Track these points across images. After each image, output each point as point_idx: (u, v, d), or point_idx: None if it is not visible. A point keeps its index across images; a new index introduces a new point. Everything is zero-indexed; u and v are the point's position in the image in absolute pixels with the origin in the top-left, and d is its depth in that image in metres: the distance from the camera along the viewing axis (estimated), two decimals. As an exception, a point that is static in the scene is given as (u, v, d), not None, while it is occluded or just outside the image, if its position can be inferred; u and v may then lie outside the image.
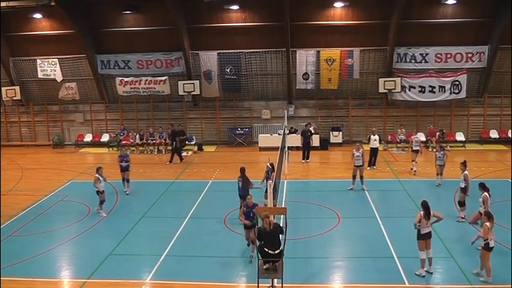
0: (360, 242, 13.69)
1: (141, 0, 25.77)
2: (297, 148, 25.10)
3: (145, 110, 29.05)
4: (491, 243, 10.99)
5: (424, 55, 26.33)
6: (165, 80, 27.68)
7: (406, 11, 24.59)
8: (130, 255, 13.18)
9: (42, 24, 27.26)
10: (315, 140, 25.77)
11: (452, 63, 26.26)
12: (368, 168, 21.72)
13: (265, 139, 26.93)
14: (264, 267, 10.12)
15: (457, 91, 26.33)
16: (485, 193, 13.29)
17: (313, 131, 25.25)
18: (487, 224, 11.03)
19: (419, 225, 11.33)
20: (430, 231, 11.46)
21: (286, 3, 23.83)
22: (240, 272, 11.83)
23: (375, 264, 12.26)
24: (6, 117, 30.04)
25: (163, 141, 26.94)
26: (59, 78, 28.06)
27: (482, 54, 26.00)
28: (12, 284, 11.53)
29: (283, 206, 15.24)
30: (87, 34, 27.03)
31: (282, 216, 12.36)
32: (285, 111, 24.79)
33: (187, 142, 27.64)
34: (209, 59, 27.23)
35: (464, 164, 15.35)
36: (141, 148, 27.36)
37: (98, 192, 16.29)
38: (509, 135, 26.75)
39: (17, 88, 28.75)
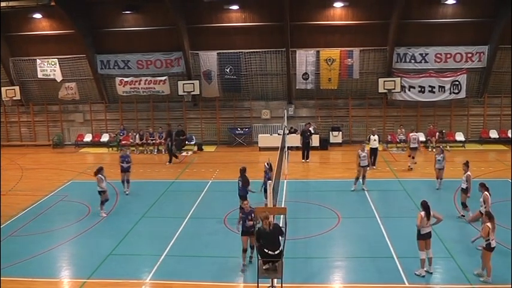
0: (360, 242, 13.69)
1: (141, 0, 25.77)
2: (297, 148, 25.10)
3: (145, 110, 29.05)
4: (493, 244, 11.00)
5: (423, 55, 26.34)
6: (165, 80, 27.68)
7: (406, 11, 24.60)
8: (130, 255, 13.18)
9: (42, 24, 27.26)
10: (315, 140, 25.78)
11: (452, 63, 26.27)
12: (368, 168, 21.72)
13: (265, 139, 26.94)
14: (264, 267, 10.12)
15: (456, 91, 26.34)
16: (486, 193, 13.29)
17: (312, 131, 25.25)
18: (488, 224, 11.04)
19: (422, 227, 11.31)
20: (430, 231, 11.47)
21: (286, 3, 23.83)
22: (239, 272, 11.83)
23: (374, 264, 12.26)
24: (6, 117, 30.04)
25: (163, 141, 26.89)
26: (59, 78, 28.05)
27: (482, 54, 26.01)
28: (12, 284, 11.53)
29: (283, 206, 15.26)
30: (87, 34, 27.02)
31: (281, 216, 12.37)
32: (285, 111, 24.81)
33: (187, 142, 27.66)
34: (209, 59, 27.23)
35: (466, 165, 15.28)
36: (141, 148, 27.36)
37: (100, 192, 16.29)
38: (509, 135, 26.76)
39: (17, 88, 28.76)
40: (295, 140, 25.12)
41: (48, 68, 27.99)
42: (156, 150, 26.95)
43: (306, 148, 24.04)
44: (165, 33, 26.68)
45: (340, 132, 27.35)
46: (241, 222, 11.97)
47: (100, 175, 16.28)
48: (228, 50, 27.05)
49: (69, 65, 28.28)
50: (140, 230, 15.13)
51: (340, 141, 27.31)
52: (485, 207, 13.05)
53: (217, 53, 27.12)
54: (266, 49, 26.87)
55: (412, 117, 27.43)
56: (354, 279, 11.60)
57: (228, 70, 27.31)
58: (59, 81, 28.18)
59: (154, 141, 27.04)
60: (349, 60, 26.45)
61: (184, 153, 26.69)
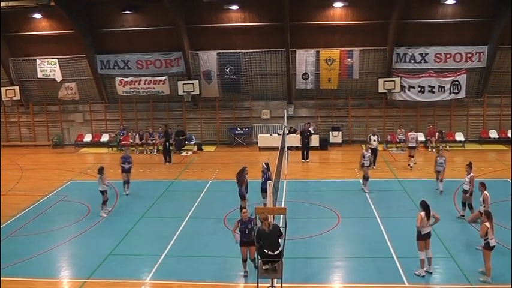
0: (360, 242, 13.69)
1: (141, 0, 25.77)
2: (297, 148, 25.09)
3: (145, 110, 29.05)
4: (492, 242, 11.01)
5: (423, 55, 26.34)
6: (165, 80, 27.67)
7: (406, 11, 24.60)
8: (130, 255, 13.18)
9: (41, 24, 27.25)
10: (315, 140, 25.80)
11: (452, 63, 26.28)
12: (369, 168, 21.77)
13: (264, 139, 26.94)
14: (264, 267, 10.12)
15: (456, 91, 26.34)
16: (486, 192, 13.30)
17: (312, 131, 25.25)
18: (486, 223, 11.05)
19: (422, 227, 11.31)
20: (430, 231, 11.47)
21: (286, 3, 23.82)
22: (239, 272, 11.81)
23: (374, 264, 12.26)
24: (6, 117, 30.03)
25: (161, 141, 26.90)
26: (59, 78, 28.05)
27: (481, 54, 26.01)
28: (12, 284, 11.53)
29: (282, 206, 15.26)
30: (87, 34, 27.02)
31: (281, 216, 12.36)
32: (285, 111, 24.81)
33: (187, 142, 27.66)
34: (209, 59, 27.23)
35: (470, 166, 15.18)
36: (140, 148, 27.36)
37: (102, 191, 16.31)
38: (509, 135, 26.76)
39: (17, 88, 28.74)
40: (295, 140, 25.12)
41: (48, 68, 27.99)
42: (156, 150, 26.94)
43: (305, 148, 24.04)
44: (165, 33, 26.68)
45: (340, 132, 27.35)
46: (238, 231, 11.43)
47: (103, 174, 16.32)
48: (227, 50, 27.05)
49: (69, 65, 28.28)
50: (140, 230, 15.13)
51: (340, 141, 27.31)
52: (484, 207, 13.05)
53: (217, 53, 27.12)
54: (266, 49, 26.87)
55: (412, 117, 27.42)
56: (354, 279, 11.59)
57: (227, 70, 27.31)
58: (58, 81, 28.18)
59: (154, 141, 27.04)
60: (349, 60, 26.46)
61: (184, 153, 26.69)
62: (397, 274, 11.61)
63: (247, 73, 27.46)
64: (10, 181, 21.01)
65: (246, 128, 28.26)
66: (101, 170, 16.36)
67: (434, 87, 26.44)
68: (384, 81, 26.25)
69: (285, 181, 19.70)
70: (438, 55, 26.23)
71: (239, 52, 27.00)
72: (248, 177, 15.54)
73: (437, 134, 25.96)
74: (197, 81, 27.26)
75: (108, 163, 23.36)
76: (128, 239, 14.34)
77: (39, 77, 28.34)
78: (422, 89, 26.55)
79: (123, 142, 27.77)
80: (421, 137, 25.77)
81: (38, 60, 27.98)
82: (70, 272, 12.37)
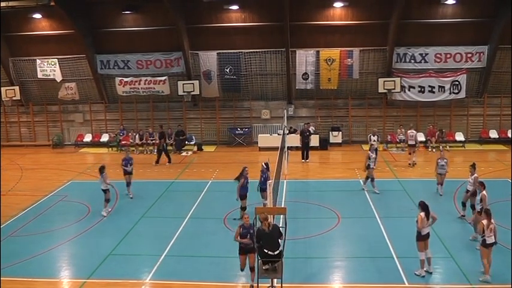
0: (360, 242, 13.69)
1: (141, 0, 25.77)
2: (297, 148, 25.09)
3: (145, 110, 29.05)
4: (488, 240, 11.06)
5: (423, 55, 26.34)
6: (165, 80, 27.67)
7: (406, 11, 24.60)
8: (130, 255, 13.18)
9: (41, 24, 27.25)
10: (315, 140, 25.80)
11: (452, 63, 26.28)
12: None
13: (264, 139, 26.94)
14: (264, 267, 10.13)
15: (456, 91, 26.34)
16: (484, 192, 13.33)
17: (312, 131, 25.24)
18: (483, 221, 11.12)
19: (423, 227, 11.31)
20: (429, 232, 11.48)
21: (286, 3, 23.82)
22: (239, 272, 11.80)
23: (374, 264, 12.26)
24: (6, 117, 30.03)
25: (163, 141, 26.88)
26: (59, 78, 28.06)
27: (481, 54, 26.01)
28: (12, 284, 11.53)
29: (282, 206, 15.26)
30: (87, 34, 27.02)
31: (281, 216, 12.35)
32: (285, 111, 24.81)
33: (187, 142, 27.66)
34: (209, 59, 27.23)
35: (473, 167, 15.11)
36: (140, 148, 27.36)
37: (104, 190, 16.34)
38: (509, 135, 26.76)
39: (17, 88, 28.74)
40: (295, 140, 25.11)
41: (48, 68, 27.99)
42: (156, 150, 26.83)
43: (305, 148, 24.04)
44: (165, 33, 26.67)
45: (340, 132, 27.35)
46: (239, 237, 10.83)
47: (104, 173, 16.35)
48: (227, 50, 27.05)
49: (69, 65, 28.28)
50: (140, 230, 15.13)
51: (340, 141, 27.32)
52: (481, 205, 13.10)
53: (217, 53, 27.12)
54: (266, 49, 26.87)
55: (412, 117, 27.40)
56: (354, 279, 11.60)
57: (227, 70, 27.31)
58: (58, 81, 28.18)
59: (154, 141, 26.99)
60: (349, 60, 26.46)
61: (184, 153, 26.69)
62: (397, 274, 11.61)
63: (247, 73, 27.46)
64: (10, 181, 21.01)
65: (246, 128, 28.26)
66: (102, 169, 16.39)
67: (434, 87, 26.44)
68: (384, 81, 26.25)
69: (285, 181, 19.70)
70: (438, 55, 26.23)
71: (239, 52, 27.00)
72: (249, 177, 15.51)
73: (437, 133, 25.94)
74: (197, 81, 27.26)
75: (108, 163, 23.29)
76: (128, 239, 14.34)
77: (39, 77, 28.34)
78: (422, 89, 26.56)
79: (123, 142, 27.78)
80: (421, 137, 25.77)
81: (38, 60, 27.99)
82: (70, 272, 12.38)
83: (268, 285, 10.31)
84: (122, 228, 15.09)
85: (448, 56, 26.19)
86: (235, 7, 25.71)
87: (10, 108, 29.70)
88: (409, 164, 22.37)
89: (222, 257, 12.77)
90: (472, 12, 25.09)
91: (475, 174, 14.85)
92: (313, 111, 28.10)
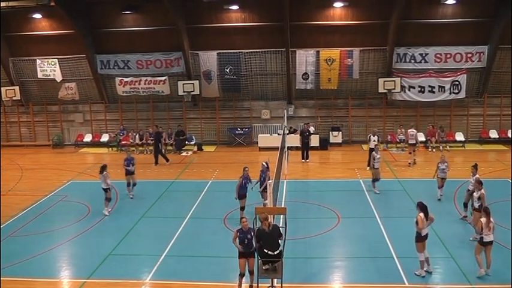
0: (360, 242, 13.69)
1: (141, 0, 25.77)
2: (297, 148, 25.08)
3: (145, 110, 29.05)
4: (486, 238, 11.12)
5: (423, 55, 26.34)
6: (165, 80, 27.67)
7: (406, 11, 24.60)
8: (130, 255, 13.18)
9: (41, 24, 27.25)
10: (315, 140, 25.81)
11: (452, 63, 26.27)
12: (368, 168, 21.75)
13: (264, 139, 26.94)
14: (264, 267, 10.12)
15: (456, 91, 26.34)
16: (483, 191, 13.39)
17: (311, 131, 25.24)
18: (482, 219, 11.17)
19: (423, 228, 11.32)
20: (428, 232, 11.49)
21: (286, 3, 23.82)
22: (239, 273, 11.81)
23: (374, 264, 12.26)
24: (6, 117, 30.03)
25: (163, 141, 26.88)
26: (59, 78, 28.06)
27: (481, 54, 26.01)
28: (12, 284, 11.53)
29: (282, 206, 15.26)
30: (87, 34, 27.02)
31: (281, 216, 12.35)
32: (285, 111, 24.82)
33: (187, 142, 27.66)
34: (209, 59, 27.23)
35: (475, 167, 15.12)
36: (140, 148, 27.35)
37: (105, 189, 16.35)
38: (509, 135, 26.76)
39: (17, 88, 28.74)
40: (295, 140, 25.11)
41: (48, 68, 27.99)
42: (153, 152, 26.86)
43: (305, 148, 24.04)
44: (165, 33, 26.67)
45: (340, 132, 27.35)
46: (238, 241, 10.61)
47: (106, 172, 16.36)
48: (228, 50, 27.05)
49: (69, 65, 28.28)
50: (140, 230, 15.13)
51: (340, 141, 27.32)
52: (479, 204, 13.16)
53: (217, 53, 27.12)
54: (266, 49, 26.87)
55: (412, 117, 27.39)
56: (354, 279, 11.59)
57: (228, 70, 27.31)
58: (58, 81, 28.18)
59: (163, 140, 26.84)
60: (349, 60, 26.46)
61: (184, 153, 26.69)
62: (397, 274, 11.61)
63: (247, 73, 27.46)
64: (10, 181, 21.01)
65: (246, 128, 28.26)
66: (103, 168, 16.40)
67: (434, 87, 26.44)
68: (384, 81, 26.25)
69: (285, 181, 19.69)
70: (438, 55, 26.23)
71: (239, 52, 27.00)
72: (250, 176, 15.52)
73: (437, 131, 25.90)
74: (197, 81, 27.26)
75: (108, 163, 23.15)
76: (128, 239, 14.34)
77: (39, 77, 28.34)
78: (422, 89, 26.55)
79: (123, 142, 27.78)
80: (421, 137, 25.77)
81: (38, 60, 27.99)
82: (70, 272, 12.37)
83: (268, 285, 10.30)
84: (122, 228, 15.10)
85: (448, 56, 26.19)
86: (235, 7, 25.71)
87: (10, 108, 29.70)
88: (409, 163, 22.40)
89: (222, 257, 12.76)
90: (472, 12, 25.09)
91: (477, 175, 14.81)
92: (313, 111, 28.10)
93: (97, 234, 14.85)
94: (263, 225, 10.14)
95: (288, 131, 24.87)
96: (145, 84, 27.90)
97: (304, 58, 26.76)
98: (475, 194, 13.60)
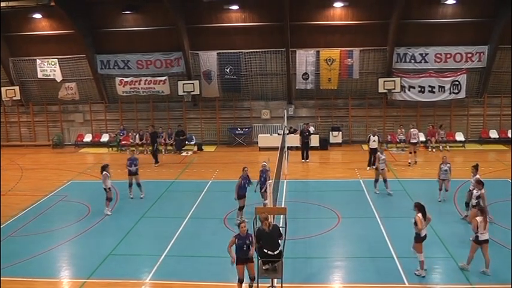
0: (360, 242, 13.69)
1: (141, 0, 25.77)
2: (297, 148, 25.08)
3: (145, 110, 29.05)
4: (481, 237, 11.19)
5: (423, 55, 26.34)
6: (165, 80, 27.67)
7: (406, 11, 24.60)
8: (130, 255, 13.18)
9: (41, 24, 27.25)
10: (315, 140, 25.81)
11: (452, 63, 26.27)
12: (368, 168, 21.78)
13: (264, 139, 26.94)
14: (264, 267, 10.12)
15: (456, 91, 26.35)
16: (483, 191, 13.48)
17: (311, 131, 25.23)
18: (477, 218, 11.23)
19: (422, 229, 11.33)
20: (426, 233, 11.52)
21: (286, 3, 23.82)
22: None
23: (374, 264, 12.26)
24: (6, 117, 30.03)
25: (163, 141, 26.93)
26: (59, 78, 28.06)
27: (481, 54, 26.01)
28: (12, 284, 11.53)
29: (282, 206, 15.25)
30: (87, 34, 27.02)
31: (281, 216, 12.35)
32: (285, 111, 24.82)
33: (187, 142, 27.66)
34: (209, 59, 27.23)
35: (475, 168, 15.12)
36: (140, 148, 27.34)
37: (105, 189, 16.35)
38: (509, 135, 26.76)
39: (17, 88, 28.75)
40: (295, 140, 25.11)
41: (48, 68, 27.99)
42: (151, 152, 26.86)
43: (305, 148, 24.04)
44: (165, 33, 26.67)
45: (340, 132, 27.36)
46: (234, 248, 10.29)
47: (105, 172, 16.35)
48: (228, 50, 27.05)
49: (69, 65, 28.28)
50: (140, 230, 15.13)
51: (340, 141, 27.32)
52: (476, 202, 13.26)
53: (217, 53, 27.12)
54: (266, 49, 26.87)
55: (412, 117, 27.38)
56: (354, 279, 11.59)
57: (228, 70, 27.31)
58: (58, 81, 28.18)
59: (159, 140, 26.85)
60: (349, 60, 26.46)
61: (184, 153, 26.70)
62: (397, 274, 11.61)
63: (247, 73, 27.46)
64: (10, 181, 21.01)
65: (246, 128, 28.26)
66: (103, 168, 16.43)
67: (434, 87, 26.44)
68: (384, 81, 26.26)
69: (285, 181, 19.69)
70: (438, 55, 26.23)
71: (239, 52, 27.00)
72: (250, 176, 15.51)
73: (437, 130, 25.87)
74: (197, 81, 27.26)
75: (108, 163, 23.27)
76: (128, 239, 14.34)
77: (39, 77, 28.35)
78: (423, 89, 26.55)
79: (123, 142, 27.78)
80: (421, 137, 25.76)
81: (38, 60, 27.99)
82: (70, 272, 12.37)
83: (268, 285, 10.30)
84: (122, 228, 15.10)
85: (448, 56, 26.19)
86: (235, 7, 25.71)
87: (10, 108, 29.71)
88: (409, 163, 22.39)
89: (222, 257, 12.69)
90: (472, 12, 25.09)
91: (477, 176, 14.81)
92: (313, 111, 28.10)
93: (97, 234, 14.84)
94: (263, 225, 10.13)
95: (288, 131, 24.86)
96: (145, 84, 27.90)
97: (304, 58, 26.76)
98: (474, 192, 13.67)
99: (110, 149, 28.16)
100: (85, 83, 28.90)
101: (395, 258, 12.41)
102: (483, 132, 27.26)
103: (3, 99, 28.66)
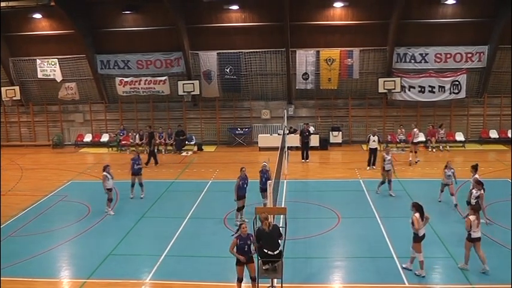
0: (360, 242, 13.69)
1: (141, 0, 25.77)
2: (297, 148, 25.08)
3: (145, 110, 29.05)
4: (473, 235, 11.29)
5: (423, 55, 26.34)
6: (165, 80, 27.67)
7: (406, 11, 24.60)
8: (130, 255, 13.18)
9: (41, 24, 27.25)
10: (315, 140, 25.81)
11: (452, 63, 26.27)
12: (367, 168, 21.78)
13: (264, 139, 26.94)
14: (264, 267, 10.12)
15: (456, 91, 26.35)
16: (482, 191, 13.56)
17: (311, 131, 25.23)
18: (470, 217, 11.30)
19: (419, 228, 11.36)
20: (424, 232, 11.53)
21: (286, 3, 23.82)
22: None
23: (374, 264, 12.26)
24: (6, 117, 30.03)
25: (163, 141, 26.94)
26: (59, 78, 28.06)
27: (481, 54, 26.01)
28: (12, 284, 11.53)
29: (282, 206, 15.25)
30: (87, 34, 27.02)
31: (281, 216, 12.35)
32: (285, 111, 24.81)
33: (187, 142, 27.66)
34: (209, 59, 27.23)
35: (474, 168, 15.14)
36: (140, 148, 27.29)
37: (108, 189, 16.33)
38: (509, 135, 26.76)
39: (17, 88, 28.75)
40: (295, 140, 25.11)
41: (48, 68, 27.99)
42: (155, 150, 26.82)
43: (305, 148, 24.04)
44: (165, 33, 26.68)
45: (340, 132, 27.36)
46: (235, 249, 10.32)
47: (105, 173, 16.38)
48: (228, 50, 27.05)
49: (69, 65, 28.28)
50: (140, 230, 15.13)
51: (340, 141, 27.32)
52: (475, 201, 13.32)
53: (217, 53, 27.12)
54: (266, 49, 26.87)
55: (412, 117, 27.39)
56: (354, 279, 11.59)
57: (228, 70, 27.31)
58: (58, 81, 28.18)
59: (153, 141, 26.90)
60: (349, 60, 26.46)
61: (184, 153, 26.70)
62: (397, 274, 11.61)
63: (247, 73, 27.46)
64: (10, 181, 21.01)
65: (246, 128, 28.26)
66: (103, 169, 16.44)
67: (434, 87, 26.44)
68: (384, 81, 26.26)
69: (285, 181, 19.69)
70: (438, 55, 26.23)
71: (239, 52, 27.00)
72: (248, 176, 15.51)
73: (437, 130, 25.85)
74: (197, 81, 27.26)
75: (108, 163, 23.29)
76: (128, 239, 14.34)
77: (39, 77, 28.35)
78: (423, 89, 26.56)
79: (123, 142, 27.78)
80: (421, 137, 25.75)
81: (38, 60, 27.99)
82: (70, 272, 12.37)
83: (268, 285, 10.30)
84: (122, 228, 15.09)
85: (448, 56, 26.19)
86: (235, 7, 25.71)
87: (10, 108, 29.71)
88: (410, 161, 22.38)
89: (222, 257, 12.73)
90: (472, 12, 25.09)
91: (475, 176, 14.84)
92: (313, 111, 28.10)
93: (97, 234, 14.84)
94: (263, 225, 10.13)
95: (288, 131, 24.87)
96: (145, 84, 27.90)
97: (304, 58, 26.76)
98: (474, 191, 13.68)
99: (110, 149, 28.16)
100: (85, 83, 28.90)
101: (395, 258, 12.41)
102: (483, 132, 27.26)
103: (3, 99, 28.66)
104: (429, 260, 11.82)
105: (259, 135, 27.64)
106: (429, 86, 26.47)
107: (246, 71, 27.35)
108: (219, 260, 12.64)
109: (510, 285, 10.77)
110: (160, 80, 27.73)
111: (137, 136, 27.31)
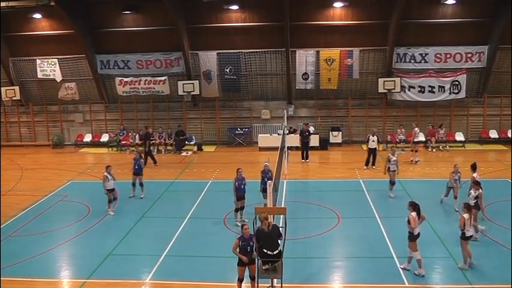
0: (360, 242, 13.69)
1: (141, 0, 25.77)
2: (297, 148, 25.08)
3: (145, 110, 29.05)
4: (467, 233, 11.44)
5: (423, 55, 26.34)
6: (165, 80, 27.67)
7: (406, 11, 24.59)
8: (130, 255, 13.18)
9: (41, 24, 27.25)
10: (315, 140, 25.81)
11: (452, 63, 26.27)
12: (365, 167, 21.81)
13: (264, 139, 26.94)
14: (264, 267, 10.11)
15: (456, 91, 26.34)
16: (481, 191, 13.58)
17: (311, 131, 25.23)
18: (464, 216, 11.41)
19: (415, 227, 11.40)
20: (419, 231, 11.58)
21: (286, 3, 23.82)
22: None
23: (374, 264, 12.27)
24: (6, 117, 30.03)
25: (163, 141, 26.94)
26: (59, 78, 28.06)
27: (481, 54, 26.00)
28: (12, 284, 11.53)
29: (282, 206, 15.25)
30: (87, 34, 27.02)
31: (281, 216, 12.35)
32: (285, 111, 24.80)
33: (187, 142, 27.66)
34: (209, 59, 27.23)
35: (472, 168, 15.16)
36: (140, 148, 27.28)
37: (108, 190, 16.35)
38: (509, 135, 26.76)
39: (17, 88, 28.74)
40: (294, 140, 25.10)
41: (48, 68, 27.99)
42: (155, 150, 26.89)
43: (305, 148, 24.04)
44: (165, 33, 26.67)
45: (340, 132, 27.35)
46: (238, 250, 10.39)
47: (106, 173, 16.38)
48: (227, 50, 27.05)
49: (69, 65, 28.27)
50: (140, 230, 15.12)
51: (340, 141, 27.32)
52: (474, 202, 13.34)
53: (217, 53, 27.12)
54: (266, 49, 26.87)
55: (412, 117, 27.37)
56: (354, 279, 11.60)
57: (227, 70, 27.30)
58: (58, 81, 28.18)
59: (153, 141, 26.92)
60: (349, 60, 26.45)
61: (184, 153, 26.70)
62: (397, 274, 11.61)
63: (247, 73, 27.45)
64: (10, 181, 21.01)
65: (246, 128, 28.26)
66: (106, 170, 16.43)
67: (434, 87, 26.43)
68: (384, 81, 26.25)
69: (285, 181, 19.70)
70: (438, 55, 26.22)
71: (239, 52, 27.00)
72: (245, 176, 15.50)
73: (437, 130, 25.84)
74: (197, 81, 27.25)
75: (108, 163, 23.28)
76: (128, 239, 14.34)
77: (39, 77, 28.34)
78: (422, 89, 26.55)
79: (123, 142, 27.78)
80: (421, 137, 25.76)
81: (38, 60, 27.98)
82: (70, 272, 12.37)
83: (268, 285, 10.30)
84: (122, 228, 15.09)
85: (448, 56, 26.19)
86: (235, 7, 25.71)
87: (10, 108, 29.70)
88: (414, 161, 22.44)
89: (222, 257, 12.76)
90: (472, 12, 25.09)
91: (474, 174, 14.90)
92: (313, 111, 28.10)
93: (97, 234, 14.84)
94: (263, 225, 10.13)
95: (287, 131, 24.86)
96: (145, 84, 27.90)
97: (304, 58, 26.76)
98: (472, 192, 13.69)
99: (110, 149, 28.15)
100: (85, 83, 28.90)
101: (395, 258, 12.42)
102: (483, 132, 27.26)
103: (3, 99, 28.65)
104: (429, 260, 11.84)
105: (259, 135, 27.64)
106: (429, 86, 26.47)
107: (246, 71, 27.35)
108: (218, 260, 12.65)
109: (510, 285, 10.77)
110: (160, 80, 27.73)
111: (137, 136, 27.29)
